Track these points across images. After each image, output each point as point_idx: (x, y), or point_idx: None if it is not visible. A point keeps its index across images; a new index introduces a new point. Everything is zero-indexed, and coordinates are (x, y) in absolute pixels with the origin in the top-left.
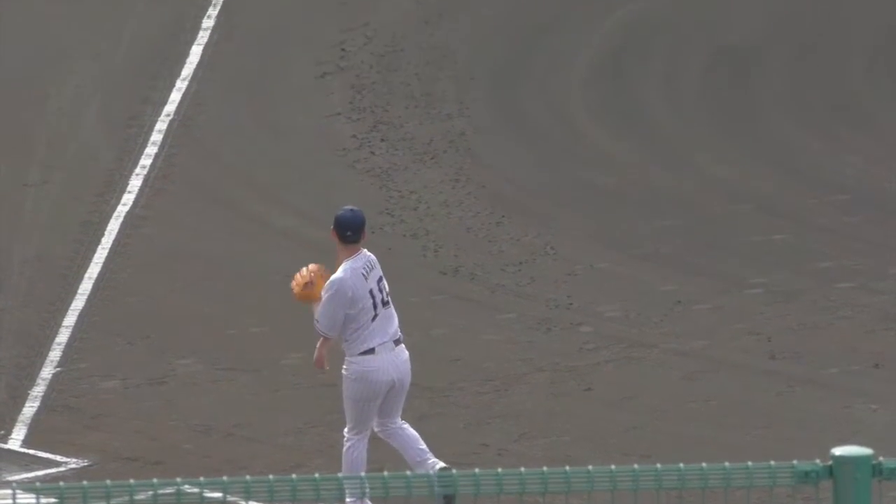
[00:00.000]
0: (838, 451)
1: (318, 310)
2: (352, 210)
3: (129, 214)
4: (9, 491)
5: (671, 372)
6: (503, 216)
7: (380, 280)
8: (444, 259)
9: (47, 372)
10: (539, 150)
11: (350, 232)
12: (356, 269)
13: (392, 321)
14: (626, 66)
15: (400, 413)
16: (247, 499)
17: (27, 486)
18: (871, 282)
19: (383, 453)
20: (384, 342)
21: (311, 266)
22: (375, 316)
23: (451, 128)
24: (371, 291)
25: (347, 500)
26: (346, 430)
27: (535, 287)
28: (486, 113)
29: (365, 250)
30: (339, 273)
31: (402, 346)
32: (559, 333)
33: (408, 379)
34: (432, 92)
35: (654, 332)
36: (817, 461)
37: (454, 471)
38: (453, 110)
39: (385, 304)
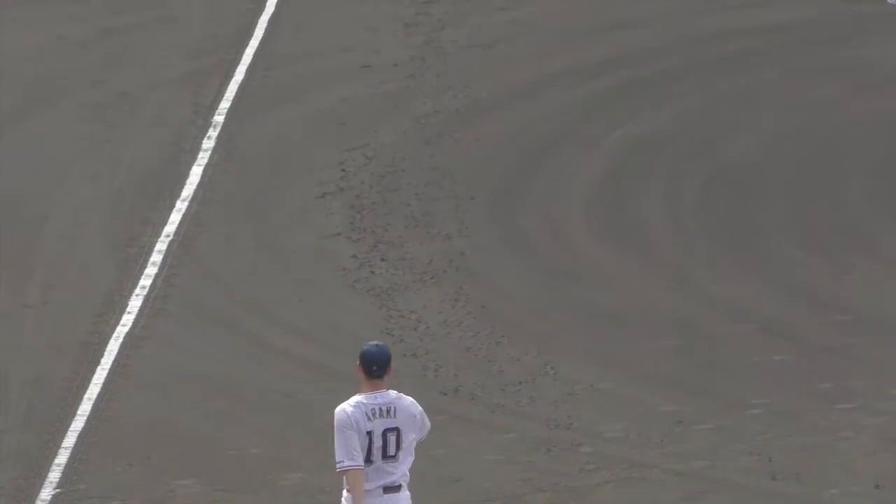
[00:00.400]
0: None
1: (335, 450)
2: (377, 345)
3: (128, 335)
4: None
5: (671, 493)
6: (503, 336)
7: (391, 431)
8: (444, 379)
9: (47, 493)
10: (539, 269)
11: (375, 367)
12: (364, 405)
13: (388, 475)
14: (627, 186)
15: None
16: None
17: None
18: (871, 403)
19: None
20: (369, 490)
21: None
22: (370, 462)
23: (450, 248)
24: (370, 435)
25: None
26: None
27: (535, 407)
28: (486, 233)
29: (392, 392)
30: (343, 404)
31: (399, 493)
32: (559, 454)
33: None
34: (432, 212)
35: (655, 453)
36: None
37: None
38: (453, 230)
39: (388, 457)
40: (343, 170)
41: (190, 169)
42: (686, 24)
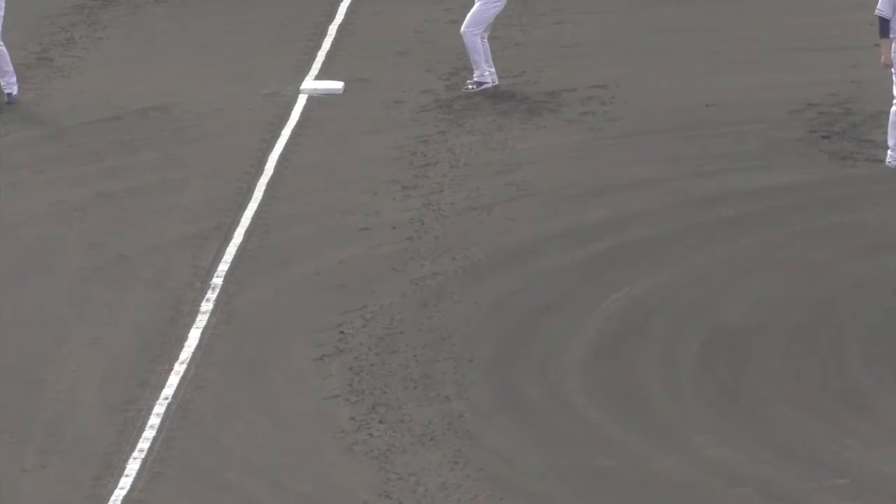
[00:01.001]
0: None
1: None
2: None
3: (126, 499)
4: None
5: None
6: (502, 499)
7: None
8: None
9: None
10: (538, 432)
11: None
12: None
13: None
14: (624, 349)
15: None
16: None
17: None
18: None
19: None
20: None
21: None
22: None
23: (449, 410)
24: None
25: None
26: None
27: None
28: (485, 395)
29: None
30: None
31: None
32: None
33: None
34: (431, 374)
35: None
36: None
37: None
38: (452, 392)
39: None
40: (341, 332)
41: (188, 332)
42: (684, 186)
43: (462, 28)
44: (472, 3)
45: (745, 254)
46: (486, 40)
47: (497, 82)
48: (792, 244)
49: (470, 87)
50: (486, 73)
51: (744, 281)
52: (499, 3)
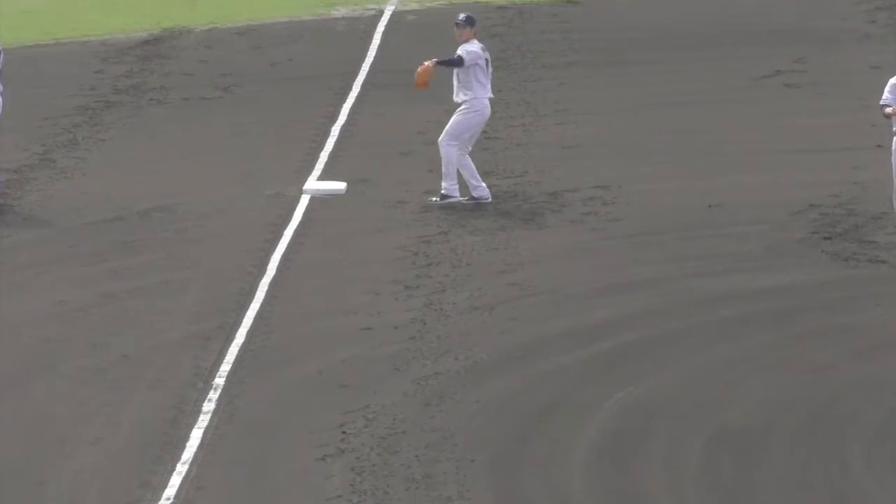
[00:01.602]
0: None
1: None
2: None
3: None
4: None
5: None
6: None
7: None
8: None
9: None
10: None
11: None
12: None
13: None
14: (627, 450)
15: None
16: None
17: None
18: None
19: None
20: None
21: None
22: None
23: None
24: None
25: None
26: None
27: None
28: (487, 496)
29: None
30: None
31: None
32: None
33: None
34: (433, 474)
35: None
36: None
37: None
38: (454, 493)
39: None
40: (343, 432)
41: (190, 432)
42: (686, 287)
43: (440, 137)
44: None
45: (748, 354)
46: (467, 157)
47: (490, 198)
48: (794, 345)
49: (433, 199)
50: (455, 187)
51: (746, 382)
52: (478, 114)
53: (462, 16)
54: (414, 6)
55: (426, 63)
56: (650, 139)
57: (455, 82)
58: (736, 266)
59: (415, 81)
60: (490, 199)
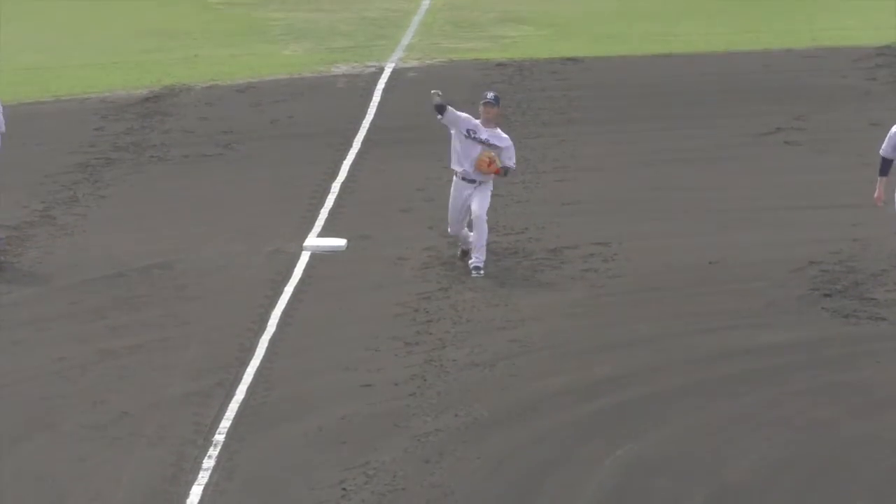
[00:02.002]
0: None
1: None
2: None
3: None
4: None
5: None
6: None
7: None
8: None
9: None
10: None
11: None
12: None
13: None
14: None
15: None
16: None
17: None
18: None
19: None
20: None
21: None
22: None
23: None
24: None
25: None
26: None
27: None
28: None
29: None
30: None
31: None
32: None
33: None
34: None
35: None
36: None
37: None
38: None
39: None
40: (343, 489)
41: (190, 489)
42: (686, 343)
43: (479, 212)
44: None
45: (748, 411)
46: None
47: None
48: (794, 402)
49: (482, 271)
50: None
51: (747, 439)
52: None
53: (491, 94)
54: (414, 63)
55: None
56: (650, 196)
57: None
58: (736, 323)
59: (485, 169)
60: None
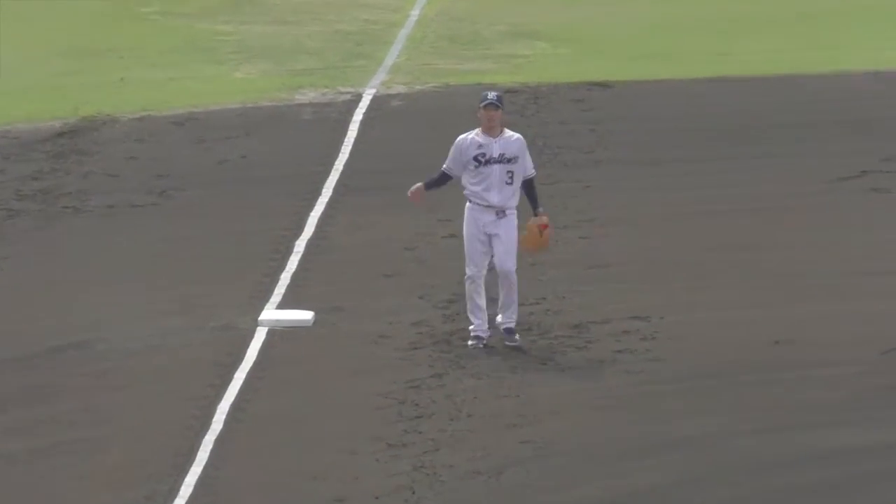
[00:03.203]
0: None
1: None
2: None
3: None
4: None
5: None
6: None
7: None
8: None
9: None
10: None
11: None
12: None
13: None
14: None
15: None
16: None
17: None
18: None
19: None
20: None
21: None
22: None
23: None
24: None
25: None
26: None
27: None
28: None
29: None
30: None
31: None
32: None
33: None
34: None
35: None
36: None
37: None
38: None
39: None
40: None
41: None
42: (743, 446)
43: (504, 263)
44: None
45: None
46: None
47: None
48: None
49: (516, 337)
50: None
51: None
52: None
53: (493, 94)
54: (400, 88)
55: (540, 222)
56: (699, 257)
57: (505, 180)
58: (806, 420)
59: (533, 245)
60: (487, 337)
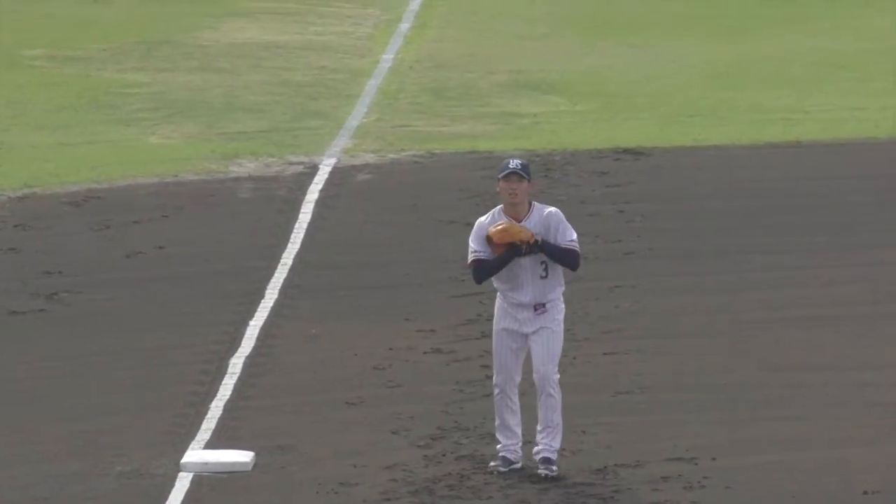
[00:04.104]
0: None
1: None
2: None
3: None
4: None
5: None
6: None
7: None
8: None
9: None
10: None
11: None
12: None
13: None
14: None
15: None
16: None
17: None
18: None
19: None
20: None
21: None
22: None
23: None
24: None
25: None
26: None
27: None
28: None
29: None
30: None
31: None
32: None
33: None
34: None
35: None
36: None
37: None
38: None
39: None
40: None
41: None
42: None
43: (549, 368)
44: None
45: None
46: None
47: (520, 462)
48: None
49: (554, 468)
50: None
51: None
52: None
53: (516, 162)
54: (368, 158)
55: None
56: (761, 379)
57: (539, 274)
58: None
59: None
60: (520, 464)
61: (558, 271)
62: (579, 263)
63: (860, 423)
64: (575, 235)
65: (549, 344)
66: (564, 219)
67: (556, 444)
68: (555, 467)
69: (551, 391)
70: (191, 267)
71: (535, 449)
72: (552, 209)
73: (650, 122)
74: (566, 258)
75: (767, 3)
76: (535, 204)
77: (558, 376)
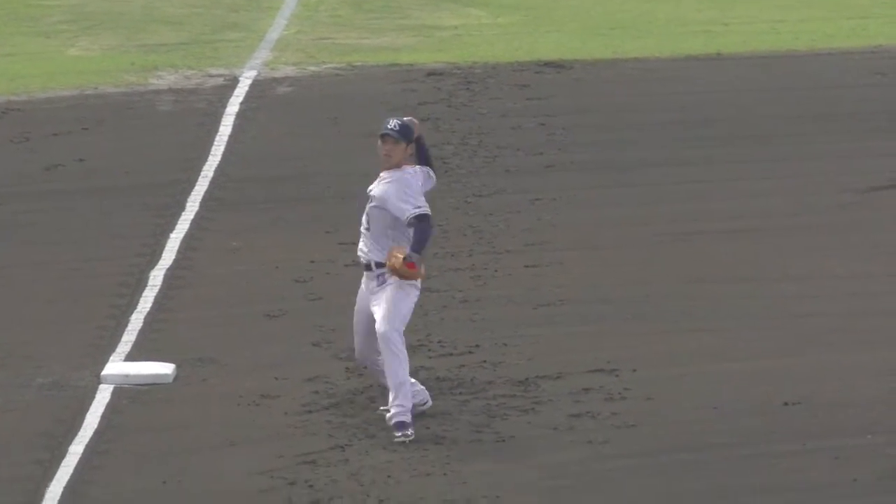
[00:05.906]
0: None
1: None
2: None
3: None
4: None
5: None
6: None
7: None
8: None
9: None
10: None
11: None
12: None
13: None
14: None
15: None
16: None
17: None
18: None
19: None
20: None
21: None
22: None
23: None
24: None
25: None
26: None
27: None
28: None
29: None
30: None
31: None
32: None
33: None
34: None
35: None
36: None
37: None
38: None
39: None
40: None
41: None
42: None
43: (385, 326)
44: None
45: None
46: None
47: (429, 402)
48: None
49: (409, 431)
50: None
51: None
52: (418, 291)
53: (395, 122)
54: (289, 70)
55: (401, 257)
56: (680, 291)
57: (369, 228)
58: None
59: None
60: (429, 403)
61: (392, 233)
62: (431, 225)
63: (781, 334)
64: (412, 207)
65: (393, 302)
66: (411, 187)
67: (406, 405)
68: (410, 430)
69: (393, 347)
70: (111, 180)
71: (386, 414)
72: (399, 175)
73: (571, 35)
74: (427, 240)
75: None
76: (406, 168)
77: (401, 332)
